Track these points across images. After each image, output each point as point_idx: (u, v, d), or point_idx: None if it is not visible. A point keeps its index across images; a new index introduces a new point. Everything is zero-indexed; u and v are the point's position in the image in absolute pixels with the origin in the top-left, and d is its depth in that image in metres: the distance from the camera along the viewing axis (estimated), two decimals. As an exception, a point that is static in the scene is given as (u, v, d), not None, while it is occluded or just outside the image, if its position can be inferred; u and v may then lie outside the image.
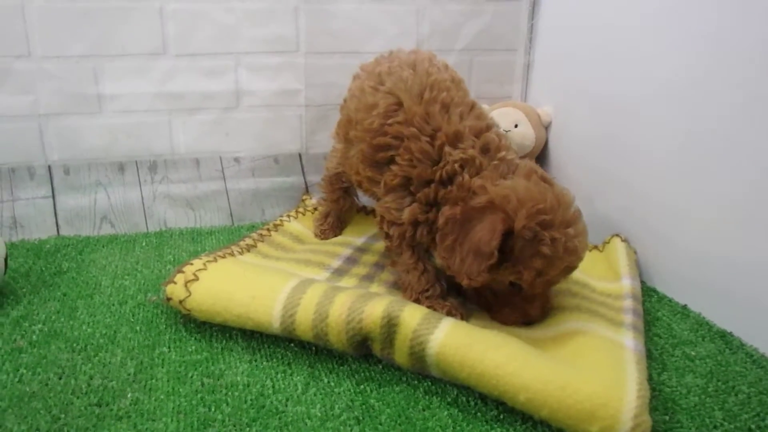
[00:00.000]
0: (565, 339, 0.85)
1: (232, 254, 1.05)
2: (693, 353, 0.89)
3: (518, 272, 0.82)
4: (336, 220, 1.27)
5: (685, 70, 0.98)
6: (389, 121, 0.92)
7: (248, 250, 1.11)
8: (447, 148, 0.88)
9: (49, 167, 1.28)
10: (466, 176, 0.86)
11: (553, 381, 0.70)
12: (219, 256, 1.01)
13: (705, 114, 0.95)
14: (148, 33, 1.23)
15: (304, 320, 0.83)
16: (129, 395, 0.77)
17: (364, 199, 1.30)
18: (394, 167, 0.91)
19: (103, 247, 1.22)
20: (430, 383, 0.82)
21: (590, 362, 0.77)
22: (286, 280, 0.90)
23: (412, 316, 0.81)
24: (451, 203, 0.87)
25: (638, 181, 1.11)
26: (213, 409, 0.75)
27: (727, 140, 0.91)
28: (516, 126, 1.37)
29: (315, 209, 1.34)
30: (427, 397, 0.79)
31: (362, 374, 0.84)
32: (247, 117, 1.35)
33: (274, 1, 1.27)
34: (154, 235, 1.30)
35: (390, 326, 0.81)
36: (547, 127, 1.42)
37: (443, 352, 0.76)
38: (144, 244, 1.25)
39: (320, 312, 0.83)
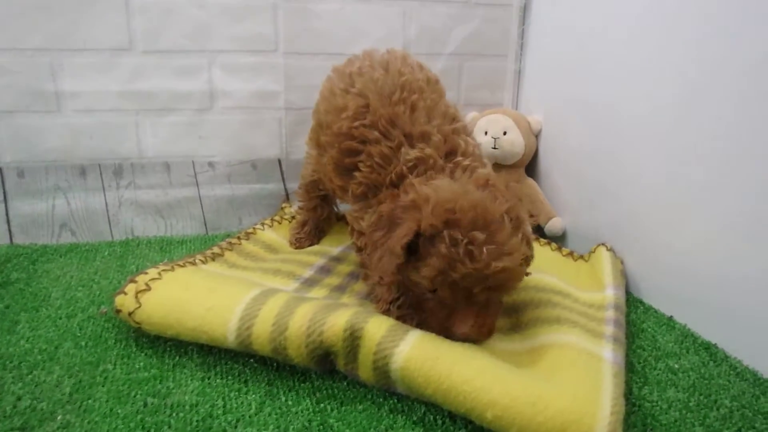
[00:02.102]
0: (541, 352, 0.79)
1: (193, 263, 0.97)
2: (676, 366, 0.84)
3: (418, 269, 0.76)
4: (313, 228, 1.19)
5: (676, 81, 0.95)
6: (356, 124, 0.88)
7: (213, 259, 1.03)
8: (404, 149, 0.85)
9: (1, 169, 1.19)
10: (413, 178, 0.82)
11: (523, 396, 0.65)
12: (178, 264, 0.93)
13: (695, 126, 0.91)
14: (113, 27, 1.15)
15: (262, 333, 0.75)
16: (59, 418, 0.69)
17: (344, 207, 1.23)
18: (357, 174, 0.87)
19: (61, 256, 1.14)
20: (395, 401, 0.74)
21: (564, 377, 0.71)
22: (247, 290, 0.82)
23: (376, 328, 0.74)
24: (388, 200, 0.83)
25: (627, 192, 1.07)
26: (153, 432, 0.67)
27: (716, 153, 0.88)
28: (505, 133, 1.31)
29: (293, 218, 1.26)
30: (391, 416, 0.71)
31: (324, 392, 0.75)
32: (222, 119, 1.27)
33: (251, -2, 1.21)
34: (119, 244, 1.21)
35: (353, 339, 0.73)
36: (537, 136, 1.36)
37: (408, 366, 0.70)
38: (107, 253, 1.16)
39: (279, 324, 0.75)
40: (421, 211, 0.76)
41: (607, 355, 0.78)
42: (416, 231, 0.75)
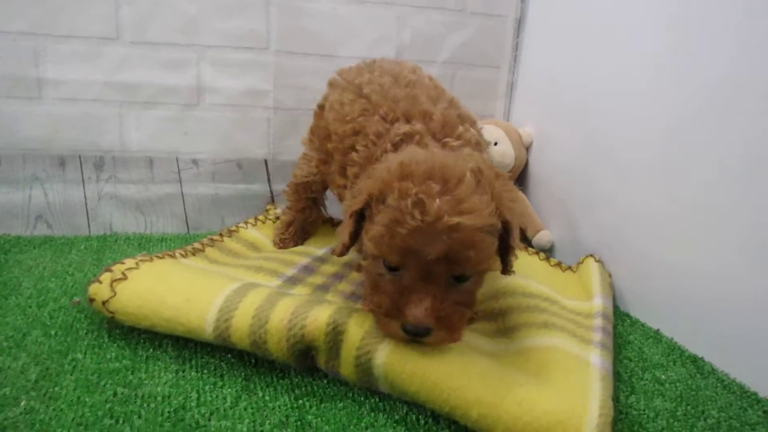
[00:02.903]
0: (528, 354, 0.77)
1: (173, 256, 0.93)
2: (663, 377, 0.83)
3: (367, 230, 0.68)
4: (299, 230, 1.16)
5: (668, 97, 0.94)
6: (359, 119, 0.85)
7: (194, 254, 0.99)
8: (397, 124, 0.80)
9: (-24, 156, 1.15)
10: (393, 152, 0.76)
11: (509, 395, 0.63)
12: (157, 256, 0.89)
13: (685, 142, 0.91)
14: (100, 15, 1.13)
15: (242, 325, 0.72)
16: (22, 404, 0.65)
17: (332, 210, 1.21)
18: (354, 155, 0.83)
19: (35, 248, 1.10)
20: (377, 399, 0.71)
21: (552, 378, 0.70)
22: (228, 283, 0.79)
23: (360, 324, 0.71)
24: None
25: (616, 206, 1.07)
26: (121, 422, 0.64)
27: (705, 169, 0.88)
28: (495, 144, 1.30)
29: (277, 218, 1.23)
30: (372, 414, 0.69)
31: (303, 389, 0.73)
32: (209, 116, 1.24)
33: (243, -7, 1.19)
34: (96, 239, 1.17)
35: (336, 334, 0.71)
36: (528, 148, 1.35)
37: (391, 362, 0.67)
38: (83, 247, 1.12)
39: (260, 317, 0.72)
40: (382, 174, 0.68)
41: (595, 360, 0.77)
42: (369, 196, 0.68)
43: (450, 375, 0.65)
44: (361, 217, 0.71)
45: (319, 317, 0.71)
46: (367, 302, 0.77)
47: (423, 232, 0.63)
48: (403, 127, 0.79)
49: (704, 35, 0.87)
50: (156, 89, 1.20)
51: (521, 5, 1.36)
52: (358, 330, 0.70)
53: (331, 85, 0.99)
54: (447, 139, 0.79)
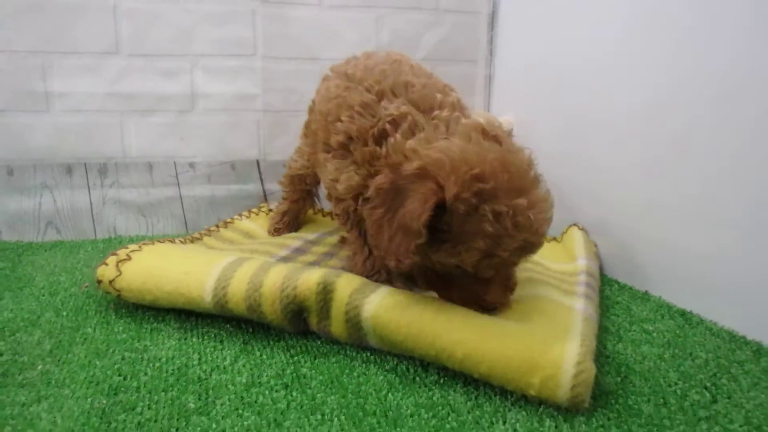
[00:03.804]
0: (515, 304, 0.80)
1: (172, 242, 1.00)
2: (651, 328, 0.85)
3: (458, 254, 0.69)
4: (293, 219, 1.23)
5: (640, 82, 1.00)
6: (342, 94, 0.87)
7: (192, 242, 1.06)
8: (383, 102, 0.82)
9: (-9, 167, 1.23)
10: (399, 137, 0.77)
11: (492, 334, 0.66)
12: (158, 241, 0.96)
13: (660, 120, 0.96)
14: (101, 31, 1.22)
15: (238, 291, 0.78)
16: (39, 367, 0.72)
17: (326, 202, 1.27)
18: (338, 125, 0.85)
19: (46, 251, 1.17)
20: (368, 354, 0.77)
21: (535, 319, 0.74)
22: (225, 257, 0.86)
23: (348, 282, 0.77)
24: (384, 171, 0.76)
25: (597, 186, 1.12)
26: (129, 378, 0.70)
27: (682, 144, 0.92)
28: (477, 131, 1.36)
29: (270, 210, 1.30)
30: (363, 366, 0.74)
31: (298, 348, 0.78)
32: (203, 121, 1.32)
33: (231, 4, 1.28)
34: (102, 242, 1.25)
35: (326, 293, 0.76)
36: (508, 135, 1.41)
37: (379, 314, 0.72)
38: (90, 249, 1.19)
39: (254, 282, 0.78)
40: (438, 178, 0.68)
41: (579, 306, 0.80)
42: (436, 204, 0.67)
43: (435, 321, 0.69)
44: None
45: (310, 278, 0.76)
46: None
47: (521, 247, 0.69)
48: (390, 107, 0.81)
49: (681, 23, 0.91)
50: (153, 97, 1.28)
51: (493, 1, 1.44)
52: (347, 288, 0.75)
53: (324, 78, 1.03)
54: (435, 113, 0.81)
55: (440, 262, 0.72)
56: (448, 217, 0.68)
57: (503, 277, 0.76)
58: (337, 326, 0.76)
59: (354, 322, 0.74)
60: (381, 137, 0.80)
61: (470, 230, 0.67)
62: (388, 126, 0.80)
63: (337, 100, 0.87)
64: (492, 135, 0.74)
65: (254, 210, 1.30)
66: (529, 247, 0.70)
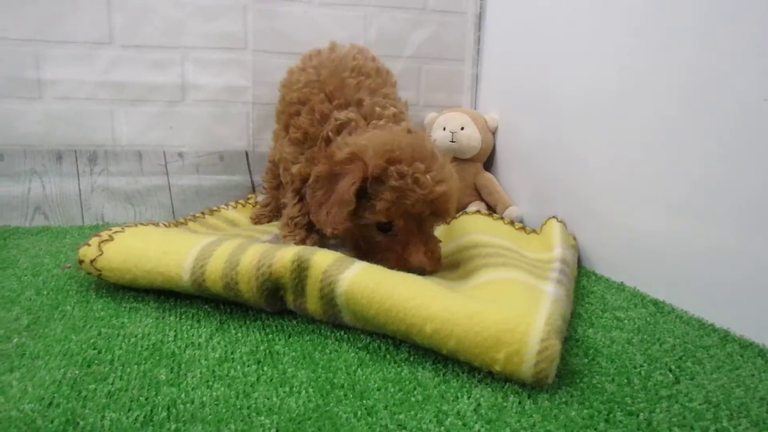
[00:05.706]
0: (486, 285, 0.82)
1: (156, 225, 1.01)
2: (623, 315, 0.86)
3: (373, 207, 0.87)
4: (276, 209, 1.24)
5: (621, 77, 1.01)
6: (304, 90, 1.01)
7: (176, 226, 1.07)
8: (335, 112, 0.98)
9: (-19, 153, 1.24)
10: (339, 139, 0.94)
11: (461, 310, 0.67)
12: (141, 224, 0.97)
13: (638, 117, 0.97)
14: (95, 22, 1.24)
15: (215, 270, 0.79)
16: (15, 340, 0.72)
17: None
18: (298, 120, 1.01)
19: (33, 236, 1.18)
20: (342, 332, 0.78)
21: (504, 299, 0.74)
22: (204, 238, 0.87)
23: (323, 258, 0.78)
24: (322, 160, 0.92)
25: (578, 181, 1.14)
26: (104, 352, 0.71)
27: (658, 139, 0.93)
28: (462, 128, 1.38)
29: (256, 203, 1.31)
30: (336, 343, 0.75)
31: (273, 327, 0.79)
32: (192, 111, 1.34)
33: (223, -1, 1.30)
34: (89, 228, 1.26)
35: (301, 270, 0.77)
36: (494, 132, 1.44)
37: (352, 290, 0.73)
38: (76, 234, 1.21)
39: (231, 261, 0.79)
40: (364, 158, 0.86)
41: (549, 289, 0.81)
42: (363, 176, 0.85)
43: (406, 298, 0.70)
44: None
45: (285, 256, 0.78)
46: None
47: (421, 200, 0.86)
48: (341, 114, 0.98)
49: (655, 17, 0.93)
50: (144, 88, 1.30)
51: (480, 2, 1.46)
52: (321, 264, 0.77)
53: (288, 72, 1.14)
54: (374, 122, 0.98)
55: (364, 224, 0.89)
56: (369, 186, 0.87)
57: (419, 240, 0.89)
58: (312, 303, 0.78)
59: (328, 298, 0.75)
60: (329, 140, 0.97)
61: (382, 188, 0.86)
62: (333, 131, 0.97)
63: (299, 95, 1.03)
64: (414, 131, 0.94)
65: (241, 201, 1.32)
66: (430, 203, 0.86)
